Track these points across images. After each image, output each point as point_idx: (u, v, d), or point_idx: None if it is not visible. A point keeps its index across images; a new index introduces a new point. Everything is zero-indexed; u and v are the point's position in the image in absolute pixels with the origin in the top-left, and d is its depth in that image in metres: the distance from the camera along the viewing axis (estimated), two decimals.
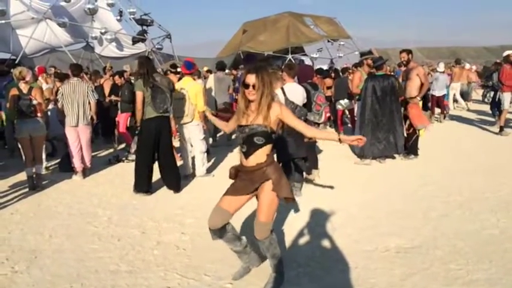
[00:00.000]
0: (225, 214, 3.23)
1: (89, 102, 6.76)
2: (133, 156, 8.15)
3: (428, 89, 9.61)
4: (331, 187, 6.03)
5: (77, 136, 6.75)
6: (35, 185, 6.27)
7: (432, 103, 12.61)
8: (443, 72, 12.71)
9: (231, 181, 3.34)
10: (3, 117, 5.40)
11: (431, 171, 6.92)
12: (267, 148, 3.14)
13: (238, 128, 3.15)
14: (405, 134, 7.77)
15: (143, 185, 5.91)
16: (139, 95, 5.74)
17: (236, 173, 3.27)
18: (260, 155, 3.11)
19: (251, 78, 2.99)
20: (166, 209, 5.28)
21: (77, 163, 6.80)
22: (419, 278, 3.48)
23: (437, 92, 12.45)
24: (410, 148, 7.78)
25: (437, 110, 13.04)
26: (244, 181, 3.20)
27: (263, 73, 3.01)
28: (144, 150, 5.87)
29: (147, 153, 5.87)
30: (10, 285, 3.48)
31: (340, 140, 3.11)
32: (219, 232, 3.27)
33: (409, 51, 7.90)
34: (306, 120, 5.81)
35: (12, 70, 8.76)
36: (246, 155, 3.12)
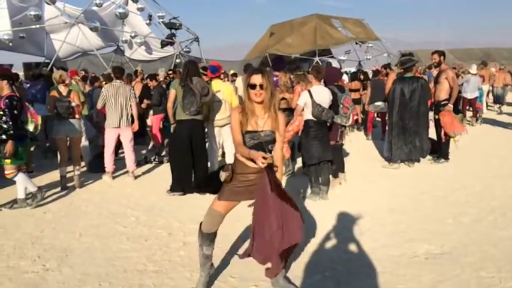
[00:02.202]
0: (221, 218, 3.18)
1: (131, 105, 6.88)
2: (161, 158, 8.29)
3: (460, 92, 9.38)
4: (358, 191, 5.96)
5: (116, 138, 6.86)
6: (66, 185, 6.45)
7: (463, 106, 12.32)
8: (475, 74, 12.38)
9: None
10: (39, 121, 5.58)
11: (462, 175, 6.74)
12: None
13: (247, 133, 2.98)
14: (440, 138, 7.60)
15: (178, 185, 6.01)
16: (171, 93, 6.06)
17: (232, 176, 3.08)
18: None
19: (257, 78, 2.91)
20: (192, 210, 5.32)
21: (108, 164, 6.93)
22: (450, 285, 3.39)
23: (469, 95, 12.15)
24: (441, 152, 7.60)
25: (469, 113, 12.72)
26: (245, 184, 3.06)
27: (268, 73, 2.97)
28: (177, 152, 6.00)
29: (180, 155, 5.97)
30: (41, 282, 3.58)
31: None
32: (212, 236, 3.24)
33: (441, 53, 7.63)
34: (333, 123, 5.78)
35: (43, 73, 9.08)
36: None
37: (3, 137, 5.11)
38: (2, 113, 5.09)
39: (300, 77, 7.07)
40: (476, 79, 12.33)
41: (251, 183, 3.06)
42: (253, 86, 2.93)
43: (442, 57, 7.58)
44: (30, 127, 5.48)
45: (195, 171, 6.12)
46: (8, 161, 5.21)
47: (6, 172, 5.30)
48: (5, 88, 5.25)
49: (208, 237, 3.23)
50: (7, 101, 5.13)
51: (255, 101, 2.96)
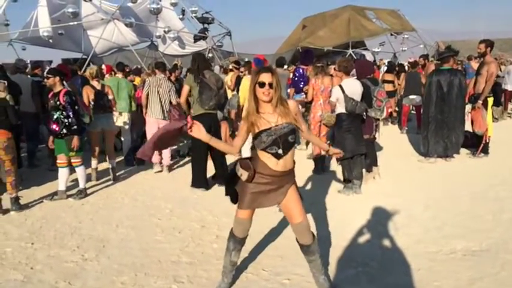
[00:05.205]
0: (250, 222, 3.20)
1: (170, 101, 6.98)
2: None
3: (496, 83, 9.00)
4: (393, 185, 5.85)
5: (157, 128, 6.97)
6: (96, 177, 6.63)
7: (505, 98, 11.85)
8: None
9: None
10: (91, 113, 5.86)
11: (502, 170, 6.51)
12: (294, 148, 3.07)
13: (261, 133, 2.91)
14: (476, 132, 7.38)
15: (198, 180, 6.06)
16: (185, 88, 6.02)
17: (254, 175, 2.99)
18: (291, 156, 3.02)
19: (267, 77, 2.86)
20: (225, 204, 5.30)
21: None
22: (488, 283, 3.29)
23: (510, 86, 11.66)
24: (481, 146, 7.35)
25: (511, 106, 12.24)
26: (262, 189, 3.01)
27: (276, 71, 2.95)
28: (197, 147, 6.03)
29: (200, 150, 5.99)
30: (80, 272, 3.70)
31: (328, 152, 3.46)
32: (244, 240, 3.27)
33: (489, 44, 7.15)
34: (367, 116, 5.69)
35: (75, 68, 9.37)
36: (282, 156, 2.94)
37: (64, 131, 5.35)
38: (62, 108, 5.29)
39: (317, 68, 6.93)
40: None
41: (269, 188, 3.01)
42: (262, 84, 2.87)
43: (488, 49, 7.14)
44: (86, 119, 5.73)
45: (214, 164, 6.17)
46: (72, 154, 5.51)
47: (72, 161, 5.60)
48: (57, 84, 5.44)
49: (240, 242, 3.26)
50: (67, 97, 5.32)
51: (262, 100, 2.91)
